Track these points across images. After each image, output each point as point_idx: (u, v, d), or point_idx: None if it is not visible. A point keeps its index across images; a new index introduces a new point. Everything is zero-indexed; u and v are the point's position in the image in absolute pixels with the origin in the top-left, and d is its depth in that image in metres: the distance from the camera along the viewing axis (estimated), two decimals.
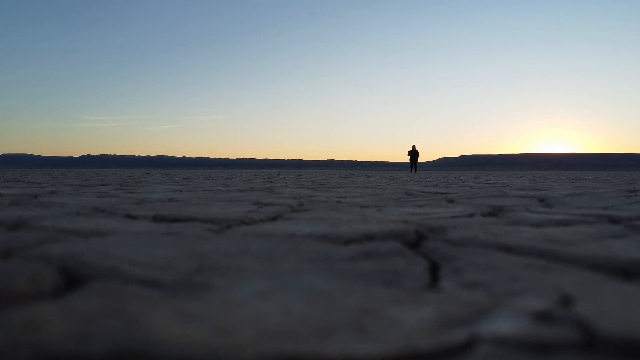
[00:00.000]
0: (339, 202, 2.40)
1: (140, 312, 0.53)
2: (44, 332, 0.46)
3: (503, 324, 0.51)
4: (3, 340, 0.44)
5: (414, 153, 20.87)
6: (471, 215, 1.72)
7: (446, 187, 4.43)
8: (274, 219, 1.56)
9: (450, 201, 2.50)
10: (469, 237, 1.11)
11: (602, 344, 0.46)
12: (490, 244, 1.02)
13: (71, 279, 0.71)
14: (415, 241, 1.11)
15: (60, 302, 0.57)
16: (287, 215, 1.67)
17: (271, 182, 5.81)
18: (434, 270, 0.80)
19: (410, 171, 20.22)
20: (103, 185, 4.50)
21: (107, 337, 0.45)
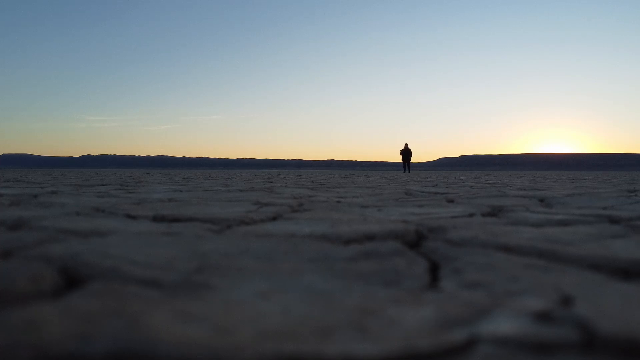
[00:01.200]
0: (339, 202, 2.40)
1: (140, 312, 0.53)
2: (44, 332, 0.46)
3: (503, 324, 0.51)
4: (3, 340, 0.44)
5: (406, 152, 19.84)
6: (471, 215, 1.72)
7: (446, 187, 4.43)
8: (274, 219, 1.56)
9: (450, 201, 2.50)
10: (469, 237, 1.11)
11: (602, 344, 0.46)
12: (490, 244, 1.02)
13: (71, 279, 0.71)
14: (415, 241, 1.11)
15: (60, 302, 0.57)
16: (287, 215, 1.67)
17: (271, 182, 5.81)
18: (434, 270, 0.80)
19: (404, 171, 19.07)
20: (103, 185, 4.50)
21: (107, 337, 0.45)
